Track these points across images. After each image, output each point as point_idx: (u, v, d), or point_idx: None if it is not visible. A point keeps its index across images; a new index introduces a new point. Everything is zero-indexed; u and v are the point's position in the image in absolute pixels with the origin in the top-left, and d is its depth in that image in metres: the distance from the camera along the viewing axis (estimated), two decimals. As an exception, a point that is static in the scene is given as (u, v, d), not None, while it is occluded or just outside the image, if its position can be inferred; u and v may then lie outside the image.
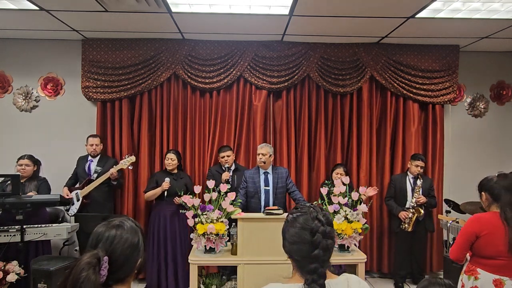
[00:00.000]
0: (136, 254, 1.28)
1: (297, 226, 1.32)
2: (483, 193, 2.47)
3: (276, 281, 1.37)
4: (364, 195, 3.68)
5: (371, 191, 4.14)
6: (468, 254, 2.49)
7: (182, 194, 3.49)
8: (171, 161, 4.27)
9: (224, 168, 4.32)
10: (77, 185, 4.30)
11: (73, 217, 4.23)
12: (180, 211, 3.69)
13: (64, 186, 4.28)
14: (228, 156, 4.34)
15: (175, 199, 4.15)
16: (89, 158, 4.36)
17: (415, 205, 4.36)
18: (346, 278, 1.36)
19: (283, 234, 1.37)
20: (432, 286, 1.46)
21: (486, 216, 2.40)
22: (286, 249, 1.35)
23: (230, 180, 4.18)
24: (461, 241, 2.43)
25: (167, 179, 4.16)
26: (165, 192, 4.16)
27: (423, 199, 4.33)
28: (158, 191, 4.17)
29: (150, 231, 4.30)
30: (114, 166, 4.20)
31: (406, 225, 4.37)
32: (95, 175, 4.24)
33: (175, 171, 4.34)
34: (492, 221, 2.34)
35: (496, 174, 2.47)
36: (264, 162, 3.99)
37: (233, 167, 4.39)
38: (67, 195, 4.15)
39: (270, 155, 4.01)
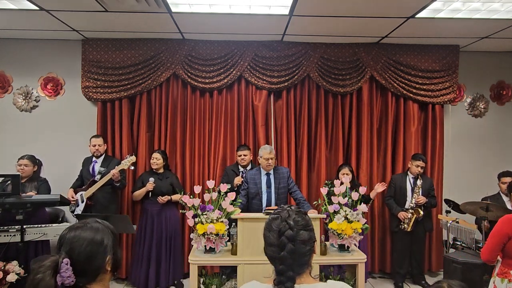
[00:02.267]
0: (101, 251, 1.28)
1: (270, 228, 1.34)
2: None
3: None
4: (366, 195, 3.68)
5: (380, 187, 4.19)
6: (498, 256, 2.48)
7: (182, 193, 3.48)
8: (156, 160, 4.30)
9: (240, 169, 4.35)
10: (83, 187, 4.30)
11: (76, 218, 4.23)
12: (180, 211, 3.69)
13: (70, 188, 4.27)
14: (244, 155, 4.37)
15: (158, 199, 4.17)
16: (93, 159, 4.36)
17: (414, 206, 4.36)
18: (326, 285, 1.33)
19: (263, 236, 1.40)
20: None
21: None
22: (264, 250, 1.38)
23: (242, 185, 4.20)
24: (493, 242, 2.41)
25: (151, 179, 4.19)
26: (150, 192, 4.19)
27: (422, 199, 4.33)
28: (142, 191, 4.22)
29: (138, 230, 4.34)
30: (116, 166, 4.20)
31: (405, 225, 4.37)
32: (99, 176, 4.23)
33: (161, 170, 4.36)
34: None
35: None
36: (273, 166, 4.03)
37: (249, 167, 4.41)
38: (72, 197, 4.14)
39: (275, 158, 4.04)
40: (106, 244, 1.30)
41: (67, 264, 1.17)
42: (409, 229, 4.36)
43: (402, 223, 4.39)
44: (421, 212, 4.31)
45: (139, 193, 4.27)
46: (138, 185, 4.36)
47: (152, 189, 4.17)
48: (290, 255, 1.27)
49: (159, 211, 4.26)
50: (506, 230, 2.36)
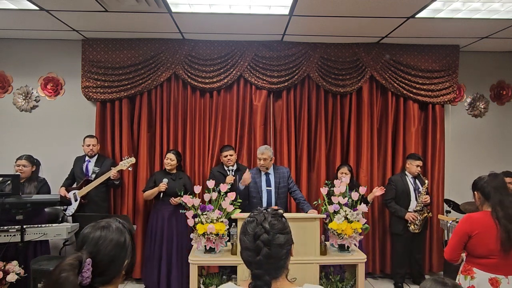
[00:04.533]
0: (123, 254, 1.27)
1: (246, 231, 1.32)
2: (475, 192, 2.52)
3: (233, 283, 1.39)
4: (364, 197, 3.67)
5: (378, 191, 4.17)
6: (464, 254, 2.50)
7: (182, 194, 3.49)
8: (170, 161, 4.27)
9: (227, 171, 4.32)
10: (74, 185, 4.30)
11: (71, 217, 4.24)
12: (180, 211, 3.69)
13: (61, 186, 4.28)
14: (230, 155, 4.34)
15: (171, 200, 4.15)
16: (86, 158, 4.37)
17: (422, 206, 4.35)
18: None
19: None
20: (437, 285, 1.45)
21: (477, 216, 2.43)
22: (240, 253, 1.35)
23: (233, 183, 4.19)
24: (454, 241, 2.45)
25: (165, 180, 4.15)
26: (161, 192, 4.15)
27: (428, 199, 4.35)
28: (155, 191, 4.18)
29: (149, 231, 4.31)
30: (112, 167, 4.21)
31: (414, 226, 4.33)
32: (93, 175, 4.24)
33: (174, 171, 4.34)
34: (483, 220, 2.36)
35: (488, 174, 2.48)
36: (267, 168, 3.98)
37: (234, 167, 4.39)
38: (65, 196, 4.14)
39: (271, 159, 4.01)
40: (127, 248, 1.29)
41: (89, 264, 1.17)
42: (417, 231, 4.33)
43: (409, 224, 4.33)
44: (430, 211, 4.38)
45: (151, 192, 4.21)
46: (150, 184, 4.31)
47: (164, 190, 4.12)
48: (266, 259, 1.25)
49: (171, 212, 4.21)
50: (466, 229, 2.38)
